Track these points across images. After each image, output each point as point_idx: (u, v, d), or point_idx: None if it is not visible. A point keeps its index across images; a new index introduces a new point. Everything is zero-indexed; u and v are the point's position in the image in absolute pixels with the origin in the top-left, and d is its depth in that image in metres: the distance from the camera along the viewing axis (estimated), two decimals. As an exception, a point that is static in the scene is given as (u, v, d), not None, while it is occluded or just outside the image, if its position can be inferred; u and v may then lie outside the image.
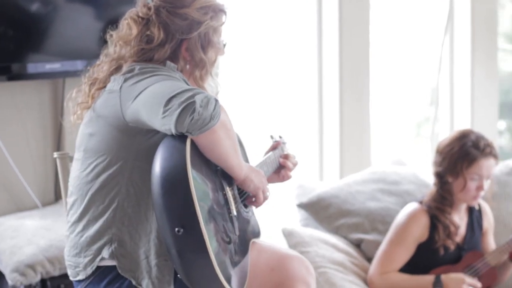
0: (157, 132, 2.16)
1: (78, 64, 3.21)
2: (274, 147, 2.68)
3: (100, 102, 2.23)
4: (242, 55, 3.95)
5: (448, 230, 3.24)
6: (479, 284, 3.19)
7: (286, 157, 2.66)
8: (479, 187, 3.24)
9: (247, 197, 2.40)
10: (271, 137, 2.73)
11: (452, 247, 3.24)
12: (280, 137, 2.73)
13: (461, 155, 3.25)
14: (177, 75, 2.24)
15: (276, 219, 3.78)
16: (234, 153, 2.20)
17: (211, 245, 2.06)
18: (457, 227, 3.27)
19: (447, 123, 4.62)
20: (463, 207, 3.34)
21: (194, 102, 2.03)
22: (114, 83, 2.21)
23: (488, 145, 3.26)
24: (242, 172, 2.27)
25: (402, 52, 4.70)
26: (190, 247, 2.06)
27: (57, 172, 2.93)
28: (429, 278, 3.20)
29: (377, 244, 3.37)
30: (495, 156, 3.26)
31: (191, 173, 2.06)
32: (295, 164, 2.67)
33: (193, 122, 2.04)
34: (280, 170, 2.65)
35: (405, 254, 3.25)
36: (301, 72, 4.19)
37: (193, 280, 2.12)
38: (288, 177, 2.66)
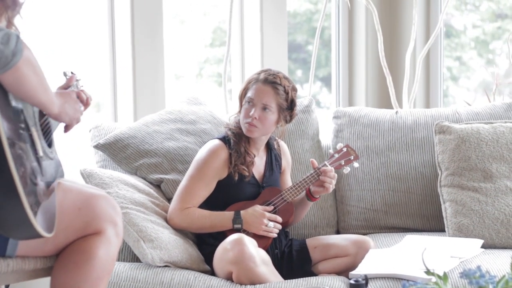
0: None
1: None
2: (67, 85, 2.62)
3: None
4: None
5: (243, 158, 3.28)
6: (279, 218, 3.26)
7: (78, 93, 2.62)
8: (247, 112, 3.28)
9: (52, 135, 2.34)
10: (64, 74, 2.67)
11: (246, 173, 3.28)
12: (72, 73, 2.67)
13: (245, 82, 3.36)
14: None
15: (72, 162, 3.68)
16: (43, 89, 2.14)
17: (21, 188, 2.00)
18: (252, 157, 3.31)
19: (238, 63, 4.66)
20: (261, 146, 3.40)
21: None
22: None
23: (270, 74, 3.31)
24: (55, 107, 2.22)
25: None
26: (0, 191, 1.98)
27: None
28: (229, 214, 3.23)
29: (177, 183, 3.37)
30: (273, 86, 3.28)
31: (-3, 115, 1.98)
32: (90, 98, 2.65)
33: None
34: None
35: (205, 189, 3.26)
36: (93, 13, 4.07)
37: (4, 223, 2.05)
38: (87, 105, 2.63)
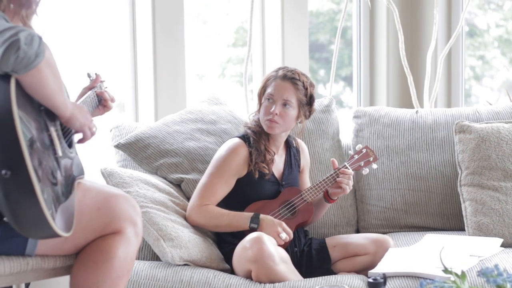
0: None
1: None
2: (92, 86, 2.66)
3: None
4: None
5: (263, 156, 3.29)
6: (291, 234, 3.24)
7: (101, 93, 2.66)
8: (268, 109, 3.29)
9: (73, 135, 2.37)
10: (88, 75, 2.70)
11: (266, 171, 3.29)
12: (97, 74, 2.71)
13: (263, 80, 3.38)
14: (-3, 14, 2.18)
15: (93, 161, 3.71)
16: (59, 91, 2.17)
17: (38, 187, 2.02)
18: (272, 155, 3.33)
19: (259, 63, 4.67)
20: (281, 144, 3.41)
21: (18, 40, 1.98)
22: None
23: (288, 70, 3.33)
24: (67, 110, 2.24)
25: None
26: (18, 190, 2.02)
27: None
28: (247, 215, 3.23)
29: (197, 183, 3.38)
30: (292, 82, 3.30)
31: (17, 114, 2.00)
32: (113, 99, 2.69)
33: (19, 60, 1.98)
34: (99, 105, 2.65)
35: (224, 187, 3.28)
36: (114, 14, 4.10)
37: (21, 222, 2.08)
38: (109, 108, 2.66)
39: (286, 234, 3.21)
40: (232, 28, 4.95)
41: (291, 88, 3.30)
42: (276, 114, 3.27)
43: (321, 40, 5.49)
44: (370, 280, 2.52)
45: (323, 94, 5.25)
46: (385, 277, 2.59)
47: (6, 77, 2.04)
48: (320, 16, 5.50)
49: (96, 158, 3.84)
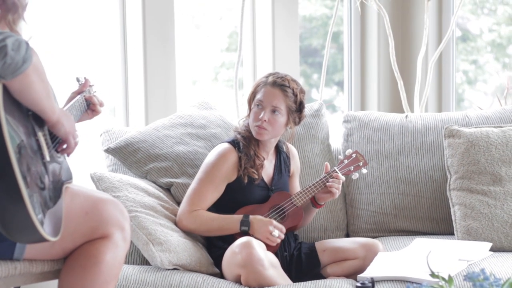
0: None
1: None
2: (81, 90, 2.67)
3: None
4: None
5: (253, 161, 3.30)
6: (284, 229, 3.27)
7: (90, 97, 2.67)
8: (257, 115, 3.29)
9: (59, 145, 2.38)
10: (77, 79, 2.71)
11: (255, 176, 3.30)
12: (86, 78, 2.72)
13: (253, 85, 3.38)
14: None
15: (83, 166, 3.72)
16: (46, 96, 2.18)
17: (26, 192, 2.04)
18: (261, 160, 3.33)
19: (250, 67, 4.68)
20: (271, 149, 3.42)
21: (5, 46, 1.99)
22: None
23: (278, 77, 3.33)
24: (54, 115, 2.26)
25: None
26: (5, 194, 2.03)
27: None
28: (237, 217, 3.24)
29: (186, 187, 3.39)
30: (282, 89, 3.31)
31: (4, 119, 2.01)
32: (101, 103, 2.70)
33: (6, 66, 2.00)
34: (87, 109, 2.66)
35: (214, 192, 3.28)
36: (105, 17, 4.11)
37: (8, 226, 2.09)
38: (98, 112, 2.67)
39: (278, 230, 3.22)
40: (226, 32, 4.96)
41: (281, 95, 3.31)
42: (265, 120, 3.28)
43: (314, 45, 5.50)
44: (358, 284, 2.54)
45: (316, 98, 5.26)
46: (373, 282, 2.61)
47: None
48: (313, 21, 5.51)
49: (85, 162, 3.84)
